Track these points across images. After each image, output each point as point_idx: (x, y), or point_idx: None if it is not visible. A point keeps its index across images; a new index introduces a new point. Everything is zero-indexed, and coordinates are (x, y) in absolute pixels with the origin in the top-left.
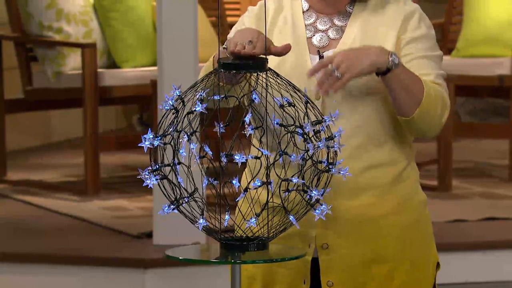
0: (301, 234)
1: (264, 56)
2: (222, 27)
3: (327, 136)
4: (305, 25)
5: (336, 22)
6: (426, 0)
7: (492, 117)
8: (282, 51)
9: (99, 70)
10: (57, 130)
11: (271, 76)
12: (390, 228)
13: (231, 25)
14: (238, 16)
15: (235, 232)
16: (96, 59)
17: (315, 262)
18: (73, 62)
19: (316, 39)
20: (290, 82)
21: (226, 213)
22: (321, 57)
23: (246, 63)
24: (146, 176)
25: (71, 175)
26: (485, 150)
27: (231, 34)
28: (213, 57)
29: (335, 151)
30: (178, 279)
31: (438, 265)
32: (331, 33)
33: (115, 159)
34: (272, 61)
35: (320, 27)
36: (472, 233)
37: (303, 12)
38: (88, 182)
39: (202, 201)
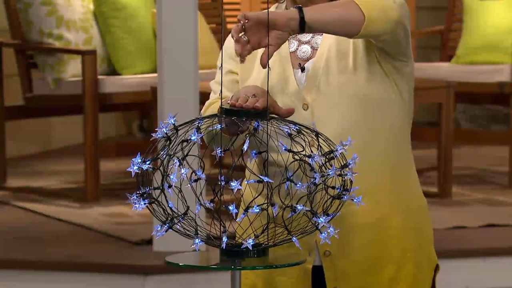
0: (301, 242)
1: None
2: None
3: (341, 164)
4: (289, 39)
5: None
6: (426, 7)
7: (492, 124)
8: (285, 114)
9: (99, 77)
10: (57, 137)
11: (274, 123)
12: (391, 231)
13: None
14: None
15: (238, 239)
16: (96, 66)
17: (315, 270)
18: (73, 69)
19: (300, 52)
20: (294, 122)
21: (224, 234)
22: (302, 69)
23: (248, 111)
24: (135, 200)
25: (71, 182)
26: (485, 156)
27: (227, 42)
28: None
29: (350, 179)
30: (178, 285)
31: (437, 267)
32: (314, 43)
33: (115, 166)
34: (258, 78)
35: (302, 39)
36: (472, 240)
37: None
38: (88, 189)
39: (195, 223)
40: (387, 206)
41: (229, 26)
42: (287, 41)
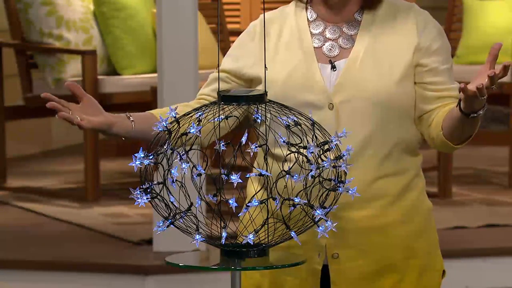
0: (310, 243)
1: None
2: (222, 34)
3: (335, 156)
4: (314, 35)
5: (346, 30)
6: (426, 7)
7: (492, 124)
8: None
9: (99, 77)
10: (57, 137)
11: (272, 106)
12: (398, 237)
13: (231, 32)
14: (238, 23)
15: (239, 238)
16: (96, 66)
17: (322, 269)
18: (73, 69)
19: (326, 48)
20: (293, 108)
21: (224, 230)
22: (333, 66)
23: (246, 96)
24: (138, 195)
25: (71, 182)
26: (485, 157)
27: (231, 51)
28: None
29: (344, 171)
30: (178, 285)
31: (444, 273)
32: (342, 42)
33: (115, 166)
34: (282, 73)
35: (329, 36)
36: (472, 240)
37: (311, 21)
38: (88, 189)
39: (197, 219)
40: (395, 211)
41: (228, 26)
42: (310, 37)
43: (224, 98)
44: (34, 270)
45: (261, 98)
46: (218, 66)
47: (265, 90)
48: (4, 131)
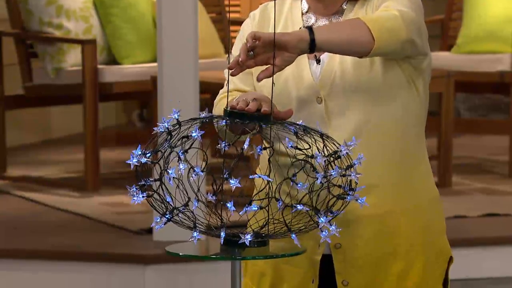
0: (310, 234)
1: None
2: (223, 23)
3: (346, 165)
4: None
5: (334, 21)
6: None
7: (492, 113)
8: (284, 116)
9: (99, 66)
10: (57, 126)
11: (278, 128)
12: (402, 225)
13: (232, 22)
14: (238, 13)
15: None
16: (96, 55)
17: (324, 260)
18: (73, 58)
19: None
20: (299, 124)
21: (222, 230)
22: (318, 61)
23: (252, 114)
24: (134, 192)
25: (71, 171)
26: (485, 146)
27: (235, 46)
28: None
29: (354, 180)
30: (178, 275)
31: (451, 259)
32: None
33: (115, 155)
34: (269, 80)
35: None
36: (473, 229)
37: (304, 14)
38: (88, 178)
39: (194, 217)
40: (394, 201)
41: (232, 15)
42: None
43: (231, 114)
44: (34, 260)
45: (266, 118)
46: (228, 58)
47: (272, 105)
48: (4, 120)
